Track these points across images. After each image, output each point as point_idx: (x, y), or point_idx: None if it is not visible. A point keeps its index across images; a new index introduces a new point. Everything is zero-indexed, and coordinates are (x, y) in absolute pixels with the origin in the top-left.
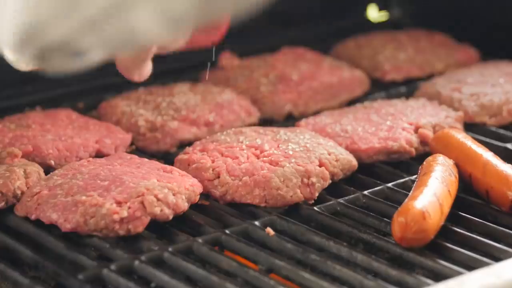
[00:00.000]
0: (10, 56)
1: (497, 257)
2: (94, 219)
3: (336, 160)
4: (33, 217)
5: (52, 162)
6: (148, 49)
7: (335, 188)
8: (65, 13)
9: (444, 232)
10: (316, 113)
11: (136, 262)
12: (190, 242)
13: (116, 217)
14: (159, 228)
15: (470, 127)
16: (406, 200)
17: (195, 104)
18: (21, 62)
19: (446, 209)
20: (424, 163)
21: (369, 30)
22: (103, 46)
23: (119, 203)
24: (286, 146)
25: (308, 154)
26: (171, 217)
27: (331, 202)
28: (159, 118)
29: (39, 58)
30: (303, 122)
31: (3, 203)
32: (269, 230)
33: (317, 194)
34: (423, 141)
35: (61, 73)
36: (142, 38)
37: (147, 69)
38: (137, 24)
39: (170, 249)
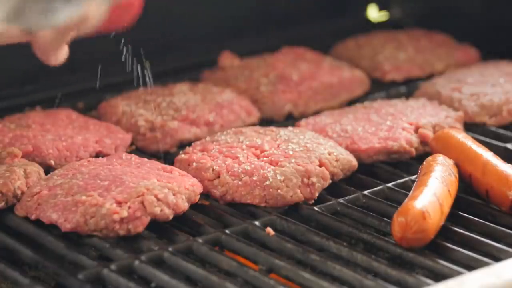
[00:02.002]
0: None
1: (497, 257)
2: (94, 219)
3: (336, 160)
4: (33, 217)
5: (52, 162)
6: (66, 30)
7: (335, 188)
8: None
9: (444, 232)
10: (316, 113)
11: (136, 262)
12: (190, 242)
13: (116, 217)
14: (159, 228)
15: (470, 127)
16: (406, 200)
17: (195, 104)
18: None
19: (446, 209)
20: (424, 163)
21: (369, 30)
22: None
23: (119, 203)
24: (286, 146)
25: (308, 154)
26: (171, 217)
27: (331, 202)
28: (159, 118)
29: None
30: (303, 122)
31: (3, 203)
32: (269, 230)
33: (317, 194)
34: (423, 141)
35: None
36: None
37: (64, 52)
38: None
39: (170, 249)
